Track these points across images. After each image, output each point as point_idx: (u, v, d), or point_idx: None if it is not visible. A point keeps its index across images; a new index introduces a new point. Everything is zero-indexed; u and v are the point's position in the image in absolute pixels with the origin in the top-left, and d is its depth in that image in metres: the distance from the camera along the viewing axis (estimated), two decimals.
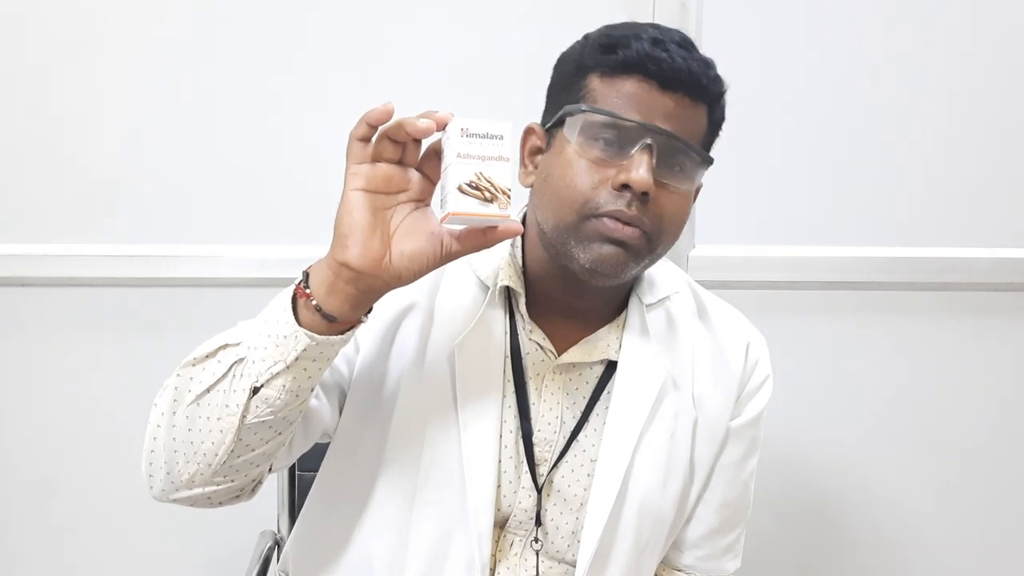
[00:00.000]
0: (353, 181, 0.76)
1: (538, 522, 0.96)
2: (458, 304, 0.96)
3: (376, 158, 0.76)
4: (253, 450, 0.83)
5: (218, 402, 0.80)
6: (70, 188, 1.50)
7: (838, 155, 1.55)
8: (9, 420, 1.57)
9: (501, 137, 0.75)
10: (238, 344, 0.81)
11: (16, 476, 1.58)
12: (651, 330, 0.98)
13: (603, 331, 0.98)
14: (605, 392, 0.98)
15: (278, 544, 1.37)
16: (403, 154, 0.77)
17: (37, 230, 1.51)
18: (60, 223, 1.51)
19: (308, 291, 0.77)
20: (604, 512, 0.94)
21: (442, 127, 0.75)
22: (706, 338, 1.03)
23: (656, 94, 0.87)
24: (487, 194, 0.75)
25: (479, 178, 0.74)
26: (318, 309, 0.77)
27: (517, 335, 0.96)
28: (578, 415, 0.97)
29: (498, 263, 0.97)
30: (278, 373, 0.78)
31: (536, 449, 0.96)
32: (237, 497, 0.88)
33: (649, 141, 0.85)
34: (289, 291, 0.80)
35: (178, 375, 0.83)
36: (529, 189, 0.96)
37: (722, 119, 0.94)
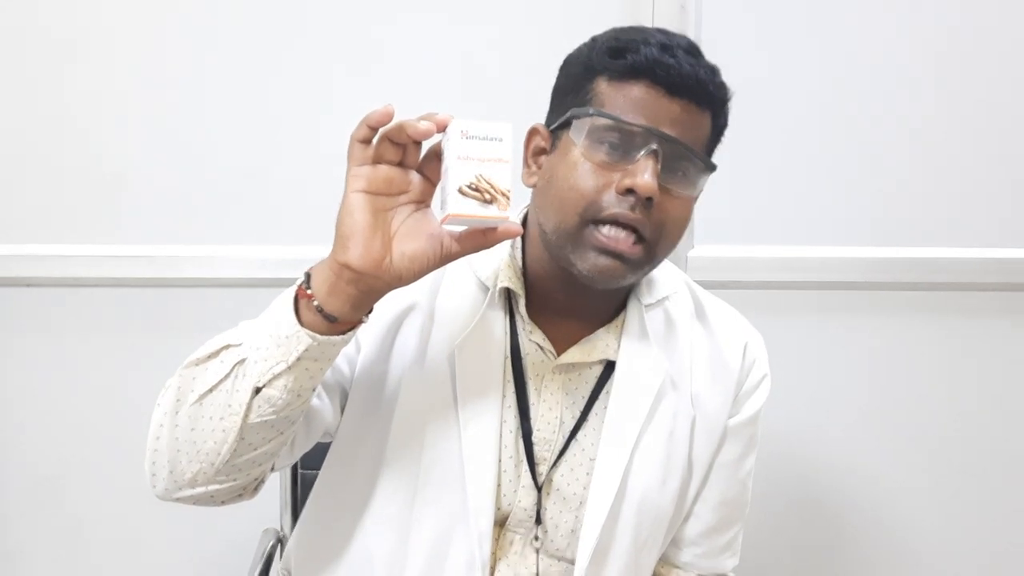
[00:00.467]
0: (354, 183, 0.76)
1: (538, 520, 0.97)
2: (458, 305, 0.96)
3: (377, 160, 0.76)
4: (255, 449, 0.83)
5: (220, 402, 0.81)
6: (72, 189, 1.51)
7: (837, 156, 1.55)
8: (11, 420, 1.57)
9: (501, 139, 0.76)
10: (240, 344, 0.82)
11: (19, 475, 1.59)
12: (650, 330, 0.99)
13: (602, 331, 0.98)
14: (604, 392, 0.98)
15: (280, 542, 1.37)
16: (404, 156, 0.77)
17: (39, 231, 1.51)
18: (62, 224, 1.51)
19: (310, 292, 0.78)
20: (603, 510, 0.95)
21: (442, 129, 0.76)
22: (704, 338, 1.03)
23: (663, 100, 0.87)
24: (487, 196, 0.75)
25: (479, 180, 0.75)
26: (319, 310, 0.78)
27: (517, 336, 0.97)
28: (577, 415, 0.98)
29: (498, 264, 0.97)
30: (280, 373, 0.79)
31: (536, 448, 0.97)
32: (240, 496, 0.89)
33: (655, 146, 0.86)
34: (291, 292, 0.81)
35: (180, 375, 0.84)
36: (530, 190, 0.96)
37: (725, 126, 0.94)
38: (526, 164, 0.96)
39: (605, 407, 0.97)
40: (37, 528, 1.60)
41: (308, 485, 1.10)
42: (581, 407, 0.98)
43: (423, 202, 0.79)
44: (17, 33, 1.47)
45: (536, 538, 0.98)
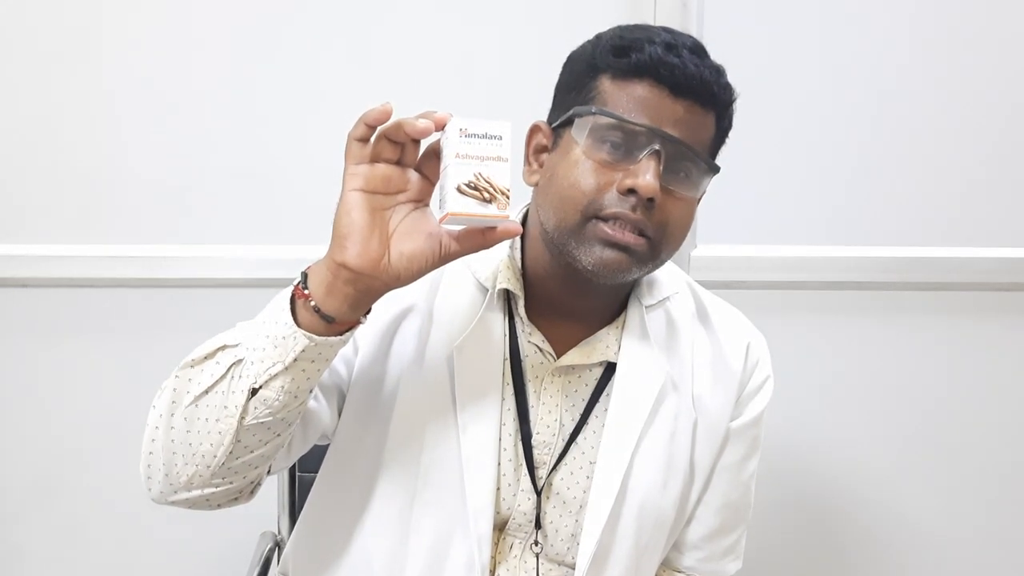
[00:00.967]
0: (352, 182, 0.76)
1: (537, 524, 0.96)
2: (457, 306, 0.96)
3: (375, 158, 0.76)
4: (252, 451, 0.82)
5: (216, 403, 0.80)
6: (68, 189, 1.50)
7: (839, 155, 1.55)
8: (8, 420, 1.57)
9: (500, 137, 0.75)
10: (236, 345, 0.81)
11: (16, 476, 1.58)
12: (651, 331, 0.98)
13: (602, 333, 0.97)
14: (604, 394, 0.97)
15: (278, 545, 1.37)
16: (402, 154, 0.77)
17: (35, 231, 1.51)
18: (58, 224, 1.51)
19: (307, 292, 0.77)
20: (603, 514, 0.94)
21: (441, 127, 0.75)
22: (706, 339, 1.02)
23: (667, 100, 0.86)
24: (486, 194, 0.74)
25: (478, 178, 0.74)
26: (317, 310, 0.77)
27: (516, 337, 0.96)
28: (577, 417, 0.97)
29: (497, 265, 0.96)
30: (277, 374, 0.78)
31: (535, 452, 0.96)
32: (236, 499, 0.88)
33: (657, 147, 0.85)
34: (288, 292, 0.80)
35: (176, 376, 0.83)
36: (530, 189, 0.96)
37: (729, 127, 0.94)
38: (527, 162, 0.95)
39: (605, 409, 0.97)
40: (33, 530, 1.60)
41: (306, 488, 1.09)
42: (581, 410, 0.97)
43: (421, 201, 0.79)
44: (13, 33, 1.47)
45: (536, 542, 0.97)
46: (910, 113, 1.54)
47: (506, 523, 0.97)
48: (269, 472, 0.90)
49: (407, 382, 0.94)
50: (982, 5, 1.53)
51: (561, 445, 0.96)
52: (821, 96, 1.53)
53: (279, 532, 1.38)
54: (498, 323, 0.95)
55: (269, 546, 1.35)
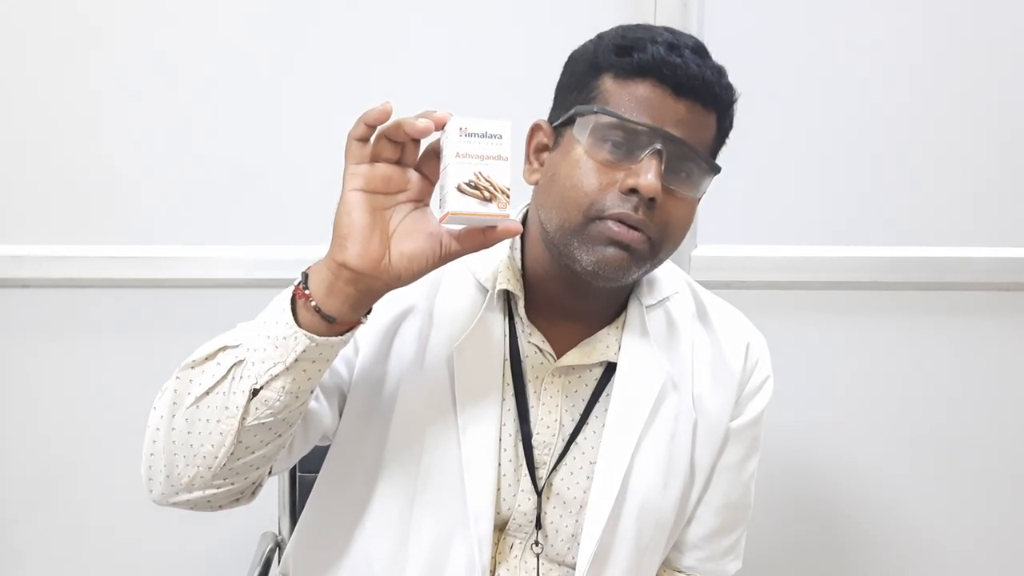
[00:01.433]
0: (352, 181, 0.76)
1: (538, 525, 0.96)
2: (457, 307, 0.96)
3: (375, 158, 0.76)
4: (253, 452, 0.82)
5: (217, 404, 0.80)
6: (70, 189, 1.50)
7: (840, 155, 1.55)
8: (9, 421, 1.57)
9: (500, 136, 0.75)
10: (237, 346, 0.81)
11: (16, 477, 1.58)
12: (651, 331, 0.98)
13: (602, 333, 0.97)
14: (604, 394, 0.97)
15: (279, 546, 1.37)
16: (402, 154, 0.77)
17: (37, 231, 1.51)
18: (60, 224, 1.51)
19: (307, 292, 0.77)
20: (603, 514, 0.94)
21: (441, 127, 0.75)
22: (706, 339, 1.02)
23: (669, 100, 0.86)
24: (486, 193, 0.74)
25: (478, 177, 0.74)
26: (317, 310, 0.77)
27: (516, 338, 0.96)
28: (577, 417, 0.97)
29: (497, 265, 0.96)
30: (278, 375, 0.78)
31: (535, 452, 0.96)
32: (237, 500, 0.88)
33: (659, 146, 0.85)
34: (288, 292, 0.80)
35: (177, 378, 0.83)
36: (529, 188, 0.96)
37: (730, 127, 0.94)
38: (528, 161, 0.95)
39: (605, 410, 0.97)
40: (34, 531, 1.60)
41: (307, 488, 1.09)
42: (581, 410, 0.97)
43: (422, 201, 0.79)
44: (15, 32, 1.47)
45: (536, 543, 0.97)
46: (910, 113, 1.54)
47: (506, 523, 0.97)
48: (270, 473, 0.89)
49: (407, 383, 0.94)
50: (982, 5, 1.52)
51: (561, 445, 0.96)
52: (821, 96, 1.53)
53: (280, 532, 1.38)
54: (498, 323, 0.95)
55: (270, 546, 1.35)
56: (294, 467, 1.34)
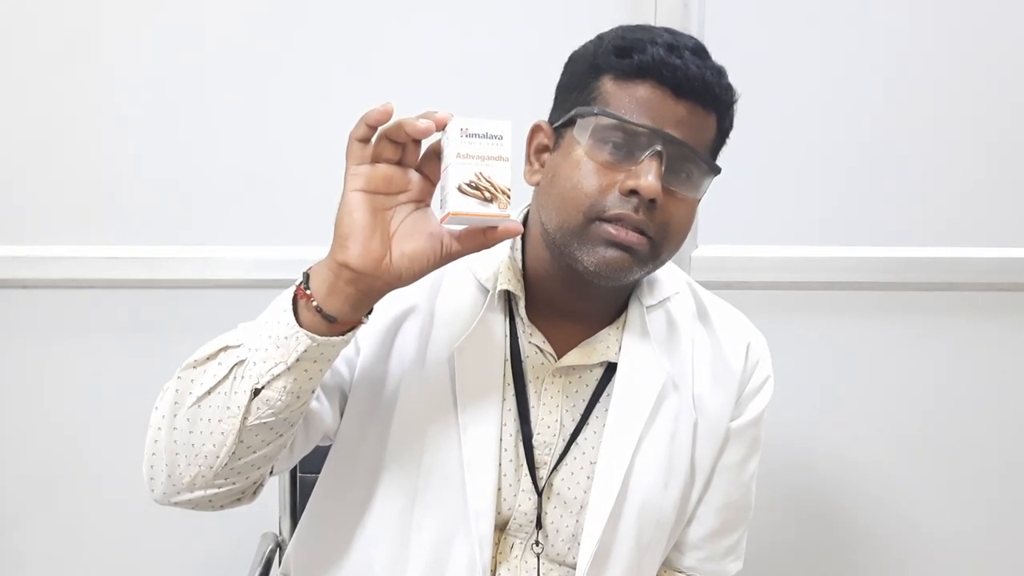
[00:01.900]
0: (353, 182, 0.76)
1: (538, 525, 0.96)
2: (458, 307, 0.96)
3: (376, 159, 0.76)
4: (254, 452, 0.82)
5: (219, 404, 0.80)
6: (70, 189, 1.50)
7: (841, 155, 1.55)
8: (10, 421, 1.57)
9: (501, 137, 0.75)
10: (239, 346, 0.81)
11: (17, 477, 1.58)
12: (651, 331, 0.98)
13: (603, 333, 0.97)
14: (605, 394, 0.97)
15: (280, 546, 1.37)
16: (403, 155, 0.77)
17: (37, 232, 1.51)
18: (60, 225, 1.51)
19: (308, 292, 0.77)
20: (603, 514, 0.94)
21: (442, 127, 0.75)
22: (706, 339, 1.02)
23: (669, 101, 0.87)
24: (487, 194, 0.74)
25: (479, 178, 0.74)
26: (319, 310, 0.77)
27: (517, 338, 0.96)
28: (577, 417, 0.97)
29: (497, 265, 0.96)
30: (279, 374, 0.78)
31: (536, 452, 0.96)
32: (238, 500, 0.88)
33: (659, 148, 0.85)
34: (290, 292, 0.80)
35: (179, 377, 0.83)
36: (530, 189, 0.96)
37: (730, 128, 0.94)
38: (528, 162, 0.95)
39: (606, 410, 0.97)
40: (34, 531, 1.59)
41: (307, 489, 1.09)
42: (582, 410, 0.97)
43: (422, 201, 0.79)
44: (14, 33, 1.47)
45: (537, 543, 0.97)
46: (910, 113, 1.54)
47: (507, 523, 0.97)
48: (272, 473, 0.89)
49: (408, 383, 0.94)
50: (982, 5, 1.53)
51: (562, 445, 0.96)
52: (821, 96, 1.53)
53: (280, 533, 1.38)
54: (499, 324, 0.95)
55: (270, 547, 1.35)
56: (295, 467, 1.33)
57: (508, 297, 0.97)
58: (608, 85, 0.88)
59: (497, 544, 0.96)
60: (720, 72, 0.90)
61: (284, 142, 1.50)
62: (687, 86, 0.86)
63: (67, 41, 1.47)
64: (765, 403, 1.04)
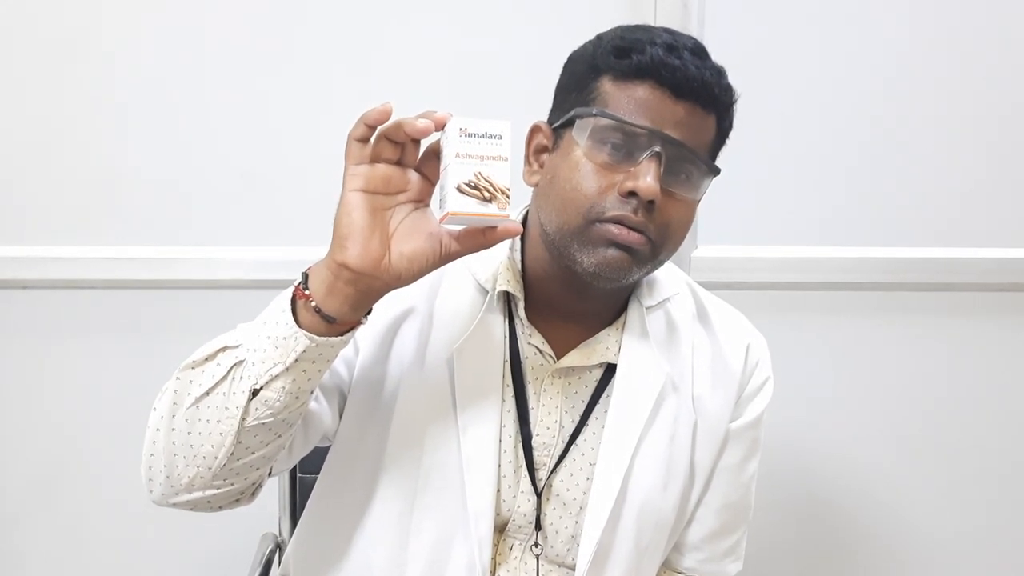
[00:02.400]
0: (352, 182, 0.76)
1: (538, 526, 0.96)
2: (457, 308, 0.95)
3: (375, 159, 0.76)
4: (253, 453, 0.82)
5: (218, 404, 0.80)
6: (70, 190, 1.50)
7: (841, 156, 1.55)
8: (10, 421, 1.57)
9: (500, 136, 0.75)
10: (237, 346, 0.81)
11: (17, 478, 1.58)
12: (651, 332, 0.98)
13: (602, 334, 0.97)
14: (604, 395, 0.97)
15: (279, 547, 1.37)
16: (402, 154, 0.77)
17: (37, 232, 1.51)
18: (60, 225, 1.50)
19: (307, 292, 0.77)
20: (603, 515, 0.94)
21: (441, 127, 0.75)
22: (706, 340, 1.02)
23: (668, 102, 0.86)
24: (486, 194, 0.74)
25: (478, 178, 0.74)
26: (317, 310, 0.77)
27: (516, 339, 0.96)
28: (577, 419, 0.97)
29: (496, 266, 0.96)
30: (278, 375, 0.78)
31: (535, 453, 0.96)
32: (237, 501, 0.88)
33: (658, 149, 0.85)
34: (288, 293, 0.80)
35: (177, 378, 0.83)
36: (529, 189, 0.95)
37: (730, 129, 0.94)
38: (527, 162, 0.95)
39: (605, 411, 0.96)
40: (34, 532, 1.59)
41: (307, 489, 1.09)
42: (581, 411, 0.97)
43: (422, 201, 0.79)
44: (14, 33, 1.47)
45: (536, 544, 0.97)
46: (910, 113, 1.54)
47: (506, 524, 0.96)
48: (270, 474, 0.89)
49: (407, 384, 0.94)
50: (982, 5, 1.53)
51: (561, 447, 0.96)
52: (821, 97, 1.53)
53: (280, 534, 1.38)
54: (498, 325, 0.95)
55: (270, 548, 1.35)
56: (294, 468, 1.33)
57: (507, 298, 0.97)
58: (607, 86, 0.88)
59: (496, 545, 0.96)
60: (720, 72, 0.89)
61: (284, 142, 1.50)
62: (686, 87, 0.86)
63: (67, 41, 1.47)
64: (765, 404, 1.04)
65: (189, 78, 1.48)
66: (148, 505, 0.87)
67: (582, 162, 0.87)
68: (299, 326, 0.77)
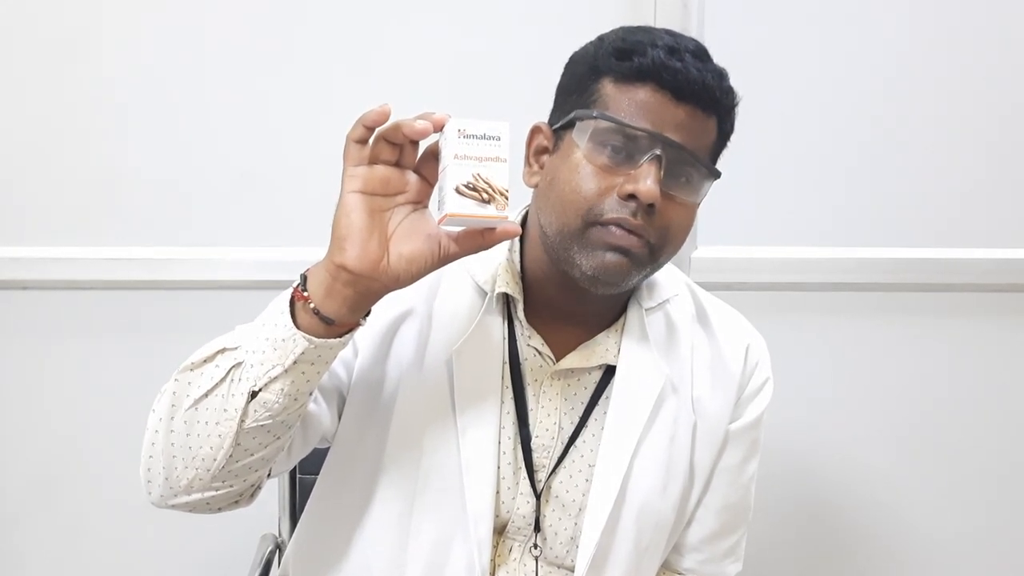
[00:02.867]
0: (350, 183, 0.75)
1: (537, 528, 0.96)
2: (456, 310, 0.95)
3: (373, 160, 0.76)
4: (252, 455, 0.82)
5: (216, 407, 0.80)
6: (70, 191, 1.50)
7: (841, 156, 1.55)
8: (10, 422, 1.57)
9: (498, 138, 0.75)
10: (236, 348, 0.81)
11: (17, 478, 1.58)
12: (650, 334, 0.98)
13: (601, 336, 0.97)
14: (603, 397, 0.97)
15: (279, 548, 1.37)
16: (400, 156, 0.77)
17: (37, 233, 1.51)
18: (60, 226, 1.51)
19: (306, 294, 0.77)
20: (602, 517, 0.94)
21: (439, 128, 0.75)
22: (705, 341, 1.02)
23: (669, 104, 0.86)
24: (485, 195, 0.74)
25: (477, 179, 0.74)
26: (316, 312, 0.77)
27: (515, 340, 0.96)
28: (576, 421, 0.97)
29: (495, 268, 0.96)
30: (276, 377, 0.78)
31: (534, 455, 0.95)
32: (236, 503, 0.88)
33: (658, 152, 0.85)
34: (287, 294, 0.80)
35: (176, 380, 0.83)
36: (529, 190, 0.95)
37: (731, 131, 0.93)
38: (527, 163, 0.95)
39: (605, 413, 0.96)
40: (33, 533, 1.59)
41: (307, 490, 1.09)
42: (580, 413, 0.97)
43: (420, 202, 0.79)
44: (14, 33, 1.47)
45: (535, 545, 0.96)
46: (910, 114, 1.54)
47: (505, 526, 0.96)
48: (269, 475, 0.89)
49: (406, 385, 0.94)
50: (982, 5, 1.52)
51: (560, 448, 0.96)
52: (821, 97, 1.53)
53: (280, 534, 1.38)
54: (497, 326, 0.95)
55: (270, 548, 1.35)
56: (294, 469, 1.34)
57: (506, 299, 0.97)
58: (608, 88, 0.88)
59: (496, 547, 0.96)
60: (721, 75, 0.89)
61: (284, 143, 1.50)
62: (687, 89, 0.86)
63: (67, 41, 1.47)
64: (764, 405, 1.04)
65: (189, 78, 1.48)
66: (148, 506, 0.87)
67: (582, 164, 0.87)
68: (298, 328, 0.77)
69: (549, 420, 0.96)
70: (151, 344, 1.52)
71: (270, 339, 0.78)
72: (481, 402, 0.93)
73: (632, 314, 0.98)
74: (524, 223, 0.99)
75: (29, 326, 1.54)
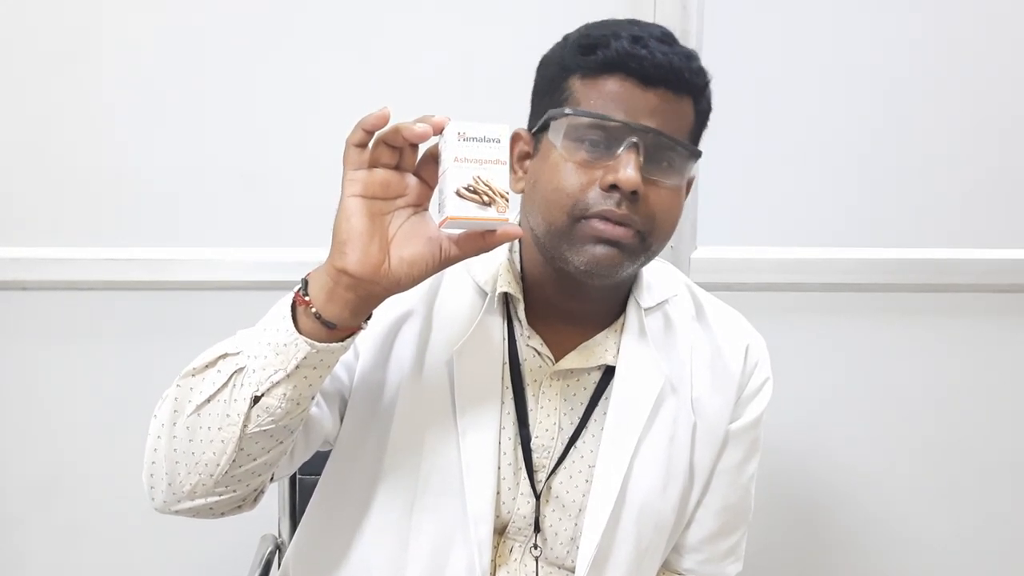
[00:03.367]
0: (350, 187, 0.75)
1: (537, 528, 0.96)
2: (456, 310, 0.95)
3: (373, 163, 0.76)
4: (254, 459, 0.82)
5: (219, 412, 0.80)
6: (70, 191, 1.50)
7: (840, 157, 1.55)
8: (10, 423, 1.57)
9: (499, 140, 0.75)
10: (238, 353, 0.81)
11: (17, 480, 1.58)
12: (649, 334, 0.98)
13: (601, 336, 0.97)
14: (603, 398, 0.97)
15: (279, 548, 1.37)
16: (400, 159, 0.77)
17: (36, 234, 1.50)
18: (59, 227, 1.50)
19: (307, 298, 0.77)
20: (602, 518, 0.94)
21: (439, 131, 0.75)
22: (705, 341, 1.02)
23: (639, 92, 0.86)
24: (485, 197, 0.74)
25: (477, 182, 0.74)
26: (318, 316, 0.77)
27: (515, 341, 0.96)
28: (576, 421, 0.97)
29: (496, 269, 0.96)
30: (279, 382, 0.78)
31: (534, 455, 0.96)
32: (239, 507, 0.88)
33: (635, 140, 0.85)
34: (288, 299, 0.80)
35: (178, 385, 0.83)
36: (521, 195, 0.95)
37: (709, 109, 0.93)
38: (512, 170, 0.94)
39: (604, 413, 0.96)
40: (33, 534, 1.59)
41: (307, 491, 1.09)
42: (580, 413, 0.97)
43: (421, 205, 0.79)
44: (14, 33, 1.46)
45: (535, 546, 0.97)
46: (911, 114, 1.54)
47: (506, 527, 0.97)
48: (272, 479, 0.89)
49: (407, 387, 0.94)
50: (982, 5, 1.52)
51: (560, 449, 0.96)
52: (821, 97, 1.53)
53: (280, 535, 1.38)
54: (497, 327, 0.95)
55: (270, 549, 1.35)
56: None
57: (506, 300, 0.97)
58: (576, 84, 0.88)
59: (496, 548, 0.96)
60: (689, 56, 0.89)
61: (283, 144, 1.50)
62: (655, 74, 0.86)
63: (67, 41, 1.47)
64: (764, 405, 1.04)
65: (189, 80, 1.48)
66: (147, 507, 0.87)
67: (560, 163, 0.87)
68: (299, 332, 0.77)
69: (549, 420, 0.96)
70: (151, 344, 1.52)
71: (272, 344, 0.78)
72: (481, 403, 0.93)
73: (631, 314, 0.98)
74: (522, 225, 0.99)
75: (29, 326, 1.54)
